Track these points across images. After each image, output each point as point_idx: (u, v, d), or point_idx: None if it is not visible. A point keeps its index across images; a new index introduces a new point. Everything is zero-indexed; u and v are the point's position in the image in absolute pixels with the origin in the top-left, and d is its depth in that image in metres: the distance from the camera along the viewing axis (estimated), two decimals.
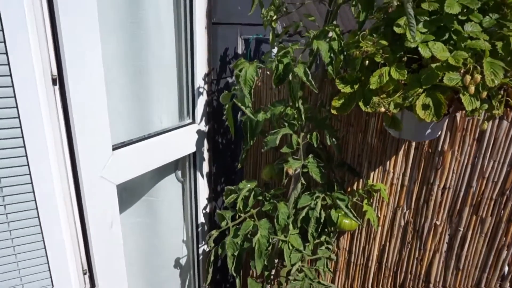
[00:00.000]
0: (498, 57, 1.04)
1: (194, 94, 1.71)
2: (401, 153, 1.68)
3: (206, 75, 1.73)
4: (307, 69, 1.19)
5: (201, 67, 1.70)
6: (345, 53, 1.22)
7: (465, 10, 1.08)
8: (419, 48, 1.06)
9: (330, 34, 1.26)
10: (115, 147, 1.40)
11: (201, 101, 1.75)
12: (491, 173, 1.51)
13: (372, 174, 1.77)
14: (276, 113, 1.38)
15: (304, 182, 1.45)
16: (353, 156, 1.78)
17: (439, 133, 1.50)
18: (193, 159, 1.84)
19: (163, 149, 1.62)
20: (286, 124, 1.37)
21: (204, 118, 1.79)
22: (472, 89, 0.98)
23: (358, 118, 1.69)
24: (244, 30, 1.83)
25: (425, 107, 1.08)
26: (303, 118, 1.30)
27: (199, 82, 1.71)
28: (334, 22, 1.34)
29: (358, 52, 1.14)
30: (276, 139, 1.36)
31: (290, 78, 1.27)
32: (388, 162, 1.72)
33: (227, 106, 1.49)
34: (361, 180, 1.80)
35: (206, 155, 1.87)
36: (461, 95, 1.01)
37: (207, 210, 2.00)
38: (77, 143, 1.24)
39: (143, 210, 1.83)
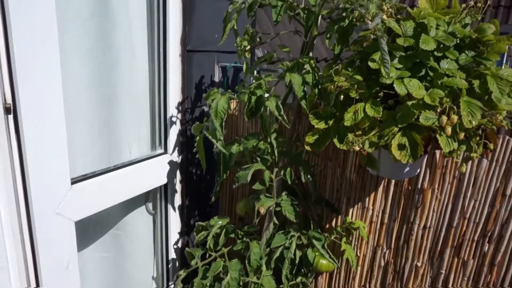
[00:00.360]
0: (475, 95, 0.99)
1: (166, 123, 1.64)
2: (380, 189, 1.61)
3: (180, 104, 1.66)
4: (279, 103, 1.13)
5: (175, 95, 1.63)
6: (319, 86, 1.17)
7: (441, 46, 1.04)
8: (395, 85, 1.01)
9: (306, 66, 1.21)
10: (75, 181, 1.30)
11: (174, 131, 1.67)
12: (472, 213, 1.45)
13: (351, 210, 1.69)
14: (249, 147, 1.31)
15: (276, 222, 1.37)
16: (331, 191, 1.71)
17: (418, 170, 1.45)
18: (165, 191, 1.74)
19: (131, 182, 1.53)
20: (259, 159, 1.30)
21: (177, 148, 1.70)
22: (449, 130, 0.93)
23: (337, 152, 1.62)
24: (222, 57, 1.78)
25: (401, 147, 1.03)
26: (276, 153, 1.23)
27: (172, 110, 1.64)
28: (310, 54, 1.29)
29: (332, 87, 1.09)
30: (248, 175, 1.28)
31: (263, 111, 1.21)
32: (367, 199, 1.65)
33: (198, 137, 1.42)
34: (339, 216, 1.72)
35: (178, 186, 1.78)
36: (438, 136, 0.96)
37: (179, 245, 1.88)
38: (29, 176, 1.14)
39: (109, 245, 1.71)
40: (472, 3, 1.07)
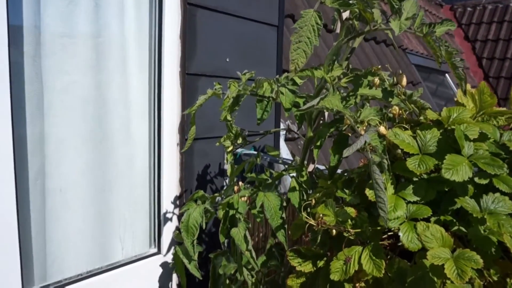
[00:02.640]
0: None
1: (160, 220, 1.42)
2: None
3: (177, 198, 1.44)
4: (247, 235, 0.83)
5: (171, 189, 1.42)
6: (309, 210, 0.84)
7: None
8: (400, 233, 0.65)
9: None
10: None
11: (169, 228, 1.44)
12: None
13: None
14: (228, 273, 1.00)
15: None
16: None
17: None
18: None
19: None
20: None
21: (172, 248, 1.46)
22: None
23: None
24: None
25: None
26: None
27: (167, 206, 1.42)
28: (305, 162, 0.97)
29: (319, 220, 0.76)
30: None
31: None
32: None
33: (175, 251, 1.16)
34: None
35: None
36: None
37: None
38: None
39: None
40: None
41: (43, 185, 1.20)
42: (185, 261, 1.04)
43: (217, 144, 1.06)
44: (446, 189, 0.69)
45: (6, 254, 1.05)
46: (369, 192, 0.71)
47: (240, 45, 1.59)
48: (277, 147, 1.77)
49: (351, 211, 0.72)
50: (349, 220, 0.74)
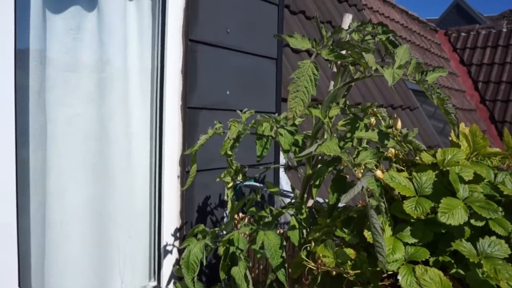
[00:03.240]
0: None
1: (160, 253, 1.42)
2: None
3: (177, 230, 1.45)
4: (248, 274, 0.83)
5: (171, 221, 1.43)
6: (308, 249, 0.85)
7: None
8: (399, 276, 0.66)
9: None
10: None
11: (169, 260, 1.44)
12: None
13: None
14: None
15: None
16: None
17: None
18: None
19: None
20: None
21: (172, 281, 1.45)
22: None
23: None
24: None
25: None
26: None
27: (167, 238, 1.42)
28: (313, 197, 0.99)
29: (319, 262, 0.76)
30: None
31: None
32: None
33: (175, 286, 1.16)
34: None
35: None
36: None
37: None
38: None
39: None
40: None
41: (43, 218, 1.21)
42: None
43: (218, 180, 1.08)
44: (443, 231, 0.70)
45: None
46: (367, 234, 0.72)
47: (240, 78, 1.63)
48: (277, 177, 1.79)
49: (351, 252, 0.73)
50: (348, 262, 0.75)
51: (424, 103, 4.59)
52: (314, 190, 0.83)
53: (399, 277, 0.65)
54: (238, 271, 0.85)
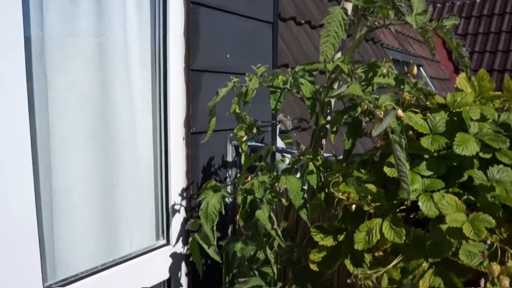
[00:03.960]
0: None
1: (168, 212, 1.46)
2: None
3: (184, 190, 1.49)
4: (272, 215, 0.89)
5: (178, 181, 1.46)
6: (326, 190, 0.92)
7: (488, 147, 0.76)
8: (420, 203, 0.73)
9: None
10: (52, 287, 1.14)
11: (178, 219, 1.48)
12: None
13: None
14: (246, 255, 1.07)
15: None
16: None
17: None
18: (168, 286, 1.53)
19: (125, 282, 1.34)
20: (257, 272, 1.05)
21: (181, 239, 1.50)
22: (505, 283, 0.62)
23: None
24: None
25: None
26: (274, 270, 0.98)
27: (175, 198, 1.46)
28: (324, 144, 1.05)
29: (340, 195, 0.83)
30: None
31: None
32: None
33: (191, 238, 1.21)
34: None
35: (184, 280, 1.56)
36: (489, 285, 0.65)
37: None
38: None
39: None
40: None
41: (50, 184, 1.21)
42: (205, 246, 1.09)
43: (231, 134, 1.12)
44: (455, 164, 0.78)
45: (27, 251, 1.07)
46: (387, 170, 0.79)
47: (239, 42, 1.65)
48: (274, 138, 1.84)
49: (371, 187, 0.80)
50: (369, 196, 0.82)
51: (403, 72, 4.73)
52: (332, 136, 0.89)
53: (419, 203, 0.73)
54: (262, 214, 0.91)
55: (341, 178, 0.85)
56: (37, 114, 1.14)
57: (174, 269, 1.51)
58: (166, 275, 1.49)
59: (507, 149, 0.76)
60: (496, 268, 0.62)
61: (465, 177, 0.79)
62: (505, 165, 0.74)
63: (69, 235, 1.25)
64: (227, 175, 1.66)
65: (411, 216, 0.86)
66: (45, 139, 1.17)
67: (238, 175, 1.53)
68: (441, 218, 0.75)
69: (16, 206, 1.04)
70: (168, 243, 1.49)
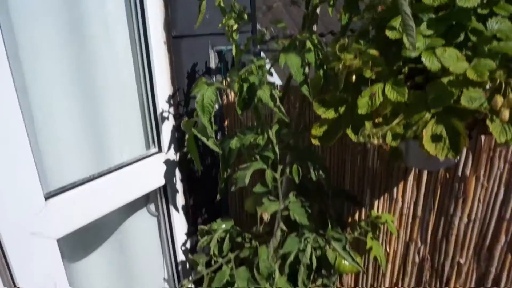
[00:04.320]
0: None
1: (157, 120, 1.44)
2: (410, 177, 1.37)
3: (171, 97, 1.46)
4: (274, 92, 0.90)
5: (164, 88, 1.43)
6: (325, 67, 0.92)
7: (485, 1, 0.77)
8: (423, 58, 0.75)
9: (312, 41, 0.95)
10: (51, 195, 1.14)
11: (167, 127, 1.47)
12: None
13: (376, 202, 1.46)
14: (246, 143, 1.09)
15: (284, 228, 1.16)
16: (352, 181, 1.48)
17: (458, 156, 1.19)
18: (164, 192, 1.57)
19: (120, 188, 1.35)
20: (258, 156, 1.08)
21: (172, 146, 1.51)
22: (505, 114, 0.67)
23: None
24: (217, 40, 1.54)
25: (436, 138, 0.78)
26: (277, 150, 1.01)
27: (162, 105, 1.43)
28: (315, 27, 1.03)
29: (340, 66, 0.84)
30: (246, 177, 1.07)
31: (258, 101, 0.98)
32: (395, 189, 1.41)
33: (187, 136, 1.21)
34: (363, 210, 1.49)
35: (179, 186, 1.60)
36: (488, 122, 0.71)
37: (187, 246, 1.73)
38: None
39: (112, 250, 1.57)
40: None
41: (35, 100, 1.15)
42: (203, 138, 1.10)
43: (220, 25, 1.07)
44: (454, 22, 0.79)
45: (25, 166, 1.04)
46: (389, 33, 0.79)
47: None
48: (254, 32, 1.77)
49: (374, 51, 0.81)
50: (370, 62, 0.83)
51: None
52: (330, 9, 0.87)
53: (422, 58, 0.75)
54: (264, 93, 0.91)
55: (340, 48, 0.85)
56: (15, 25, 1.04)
57: (168, 176, 1.54)
58: (161, 181, 1.52)
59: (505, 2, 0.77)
60: (499, 99, 0.66)
61: (462, 37, 0.81)
62: (503, 17, 0.76)
63: (58, 150, 1.22)
64: (212, 81, 1.63)
65: (409, 83, 0.89)
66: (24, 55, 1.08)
67: (223, 80, 1.51)
68: (441, 75, 0.78)
69: (6, 122, 0.99)
70: (160, 150, 1.49)
